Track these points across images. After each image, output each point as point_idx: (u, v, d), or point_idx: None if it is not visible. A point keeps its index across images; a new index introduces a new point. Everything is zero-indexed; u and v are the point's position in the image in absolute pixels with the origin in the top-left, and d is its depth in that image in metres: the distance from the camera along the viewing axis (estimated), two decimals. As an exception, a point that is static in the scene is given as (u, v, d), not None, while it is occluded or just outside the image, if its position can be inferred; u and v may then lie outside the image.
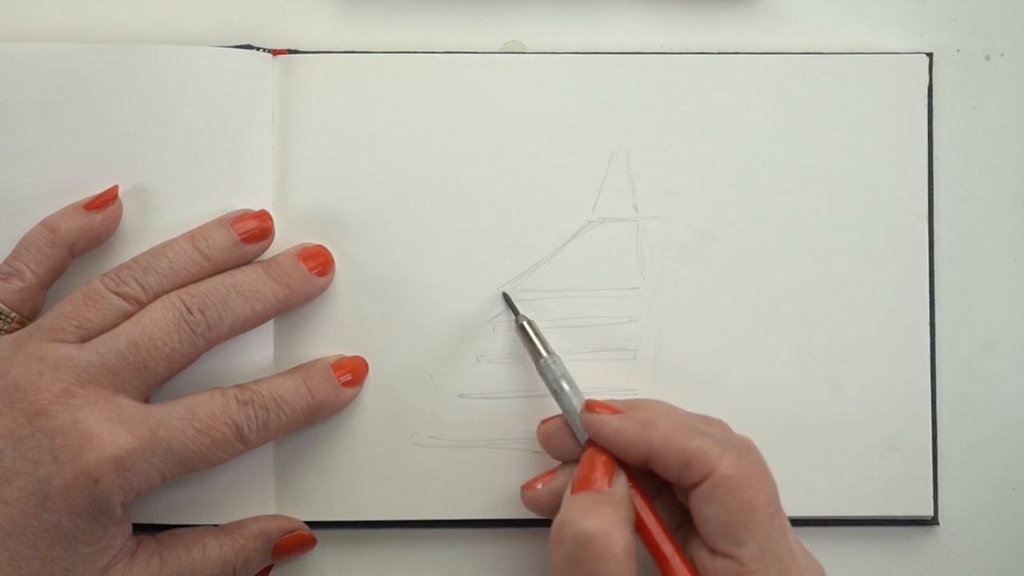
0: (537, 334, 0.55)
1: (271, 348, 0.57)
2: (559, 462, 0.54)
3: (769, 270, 0.58)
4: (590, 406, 0.52)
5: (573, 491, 0.49)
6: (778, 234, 0.58)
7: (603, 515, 0.48)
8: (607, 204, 0.58)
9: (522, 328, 0.56)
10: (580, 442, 0.52)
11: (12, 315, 0.53)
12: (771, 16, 0.60)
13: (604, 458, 0.50)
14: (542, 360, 0.54)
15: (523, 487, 0.53)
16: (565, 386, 0.53)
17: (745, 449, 0.49)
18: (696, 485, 0.49)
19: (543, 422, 0.54)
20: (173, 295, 0.52)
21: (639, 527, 0.50)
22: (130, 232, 0.56)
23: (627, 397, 0.57)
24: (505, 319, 0.57)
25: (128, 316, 0.52)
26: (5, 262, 0.54)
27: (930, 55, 0.59)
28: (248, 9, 0.59)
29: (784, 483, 0.57)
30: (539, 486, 0.52)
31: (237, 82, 0.57)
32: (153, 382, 0.52)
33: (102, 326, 0.52)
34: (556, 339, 0.57)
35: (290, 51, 0.58)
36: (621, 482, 0.50)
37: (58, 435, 0.49)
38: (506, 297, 0.57)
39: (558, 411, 0.53)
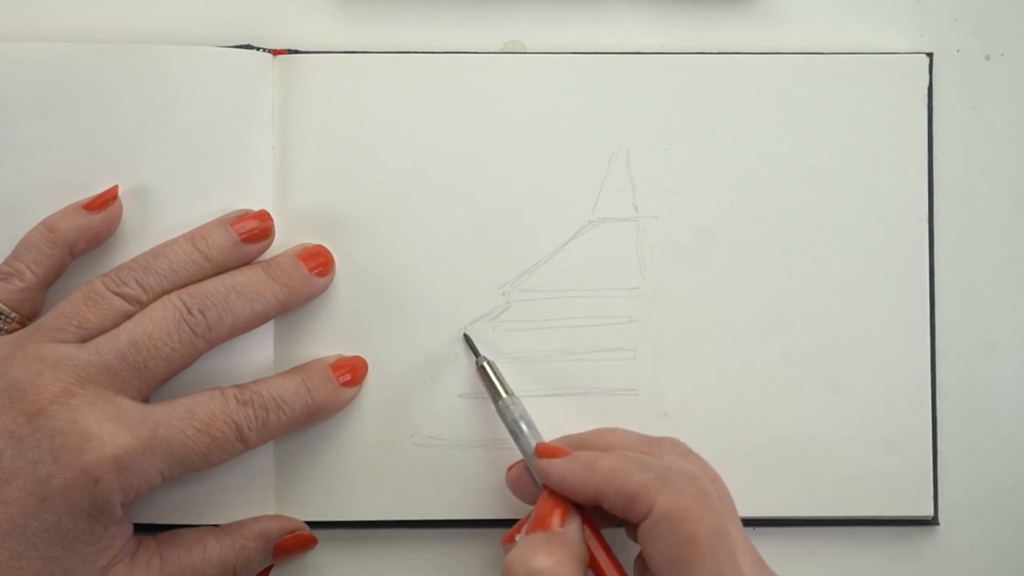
0: (496, 375, 0.55)
1: (271, 348, 0.57)
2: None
3: (769, 270, 0.58)
4: (539, 451, 0.52)
5: (527, 532, 0.50)
6: (778, 234, 0.58)
7: (552, 553, 0.48)
8: (607, 204, 0.58)
9: (482, 369, 0.56)
10: (538, 484, 0.52)
11: (12, 315, 0.53)
12: (771, 16, 0.60)
13: (558, 500, 0.51)
14: (500, 402, 0.54)
15: (503, 541, 0.53)
16: (523, 427, 0.53)
17: (686, 480, 0.48)
18: (640, 522, 0.48)
19: (509, 468, 0.54)
20: (173, 295, 0.52)
21: (593, 567, 0.50)
22: (130, 232, 0.56)
23: (627, 397, 0.57)
24: (506, 319, 0.57)
25: (128, 316, 0.52)
26: (5, 262, 0.54)
27: (930, 55, 0.59)
28: (248, 9, 0.59)
29: (784, 483, 0.57)
30: (517, 538, 0.52)
31: (237, 82, 0.57)
32: (153, 382, 0.52)
33: (102, 326, 0.52)
34: (556, 339, 0.57)
35: (290, 51, 0.58)
36: (574, 523, 0.50)
37: (58, 435, 0.49)
38: (467, 338, 0.57)
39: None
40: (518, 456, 0.54)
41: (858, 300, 0.58)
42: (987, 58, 0.60)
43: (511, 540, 0.52)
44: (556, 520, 0.50)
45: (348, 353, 0.57)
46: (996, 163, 0.60)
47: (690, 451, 0.52)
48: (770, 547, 0.58)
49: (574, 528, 0.50)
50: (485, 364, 0.56)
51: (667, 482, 0.48)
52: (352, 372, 0.56)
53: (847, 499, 0.57)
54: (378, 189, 0.58)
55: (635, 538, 0.50)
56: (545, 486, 0.51)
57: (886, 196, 0.58)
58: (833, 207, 0.58)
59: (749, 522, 0.58)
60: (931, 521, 0.58)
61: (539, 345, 0.58)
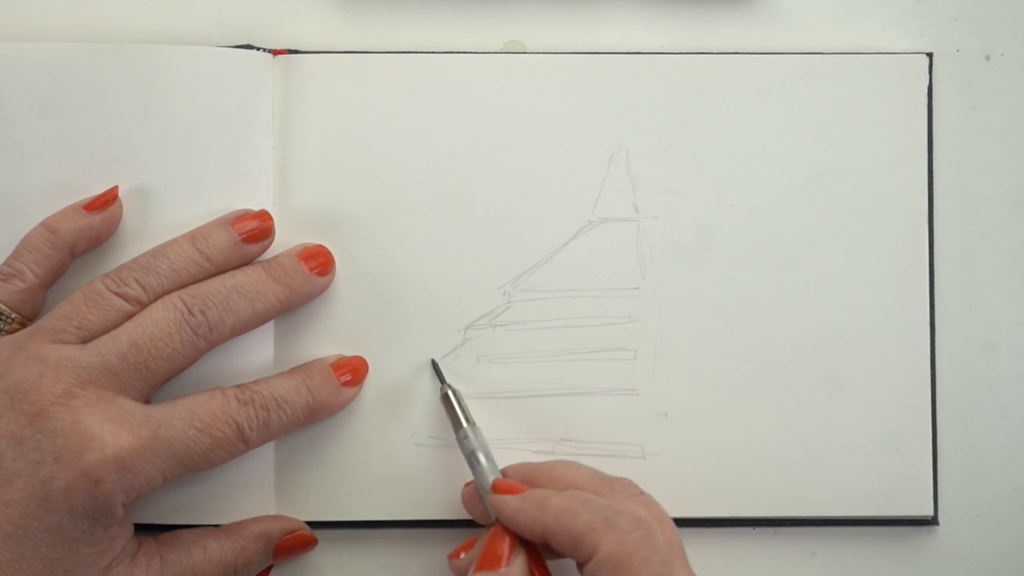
0: (460, 404, 0.55)
1: (271, 348, 0.57)
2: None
3: (769, 270, 0.58)
4: (495, 487, 0.52)
5: (475, 569, 0.50)
6: (778, 234, 0.58)
7: None
8: (607, 204, 0.58)
9: (445, 397, 0.56)
10: (492, 516, 0.52)
11: (13, 316, 0.53)
12: (771, 16, 0.60)
13: (508, 535, 0.51)
14: (460, 432, 0.55)
15: (449, 556, 0.53)
16: (481, 459, 0.53)
17: (632, 524, 0.49)
18: (586, 563, 0.48)
19: (466, 485, 0.55)
20: (174, 296, 0.52)
21: None
22: (130, 232, 0.56)
23: (627, 397, 0.57)
24: (506, 319, 0.57)
25: (129, 317, 0.52)
26: (5, 263, 0.54)
27: (930, 55, 0.59)
28: (248, 9, 0.59)
29: (784, 483, 0.57)
30: (462, 556, 0.53)
31: (237, 82, 0.57)
32: (154, 383, 0.52)
33: (103, 327, 0.52)
34: (556, 339, 0.57)
35: (290, 51, 0.58)
36: (518, 562, 0.50)
37: (59, 436, 0.49)
38: (434, 364, 0.57)
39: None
40: (518, 455, 0.54)
41: (858, 300, 0.58)
42: (987, 58, 0.60)
43: (456, 557, 0.53)
44: (504, 556, 0.50)
45: (348, 353, 0.57)
46: (996, 163, 0.60)
47: (641, 492, 0.52)
48: (770, 547, 0.58)
49: (519, 566, 0.50)
50: (449, 392, 0.56)
51: (613, 525, 0.48)
52: (353, 372, 0.56)
53: (847, 499, 0.58)
54: (378, 189, 0.58)
55: None
56: (498, 520, 0.51)
57: (886, 196, 0.58)
58: (833, 207, 0.58)
59: (749, 522, 0.58)
60: (931, 521, 0.58)
61: (539, 345, 0.58)
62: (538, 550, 0.51)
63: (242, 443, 0.53)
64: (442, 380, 0.57)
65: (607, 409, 0.58)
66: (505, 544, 0.50)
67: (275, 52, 0.58)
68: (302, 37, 0.59)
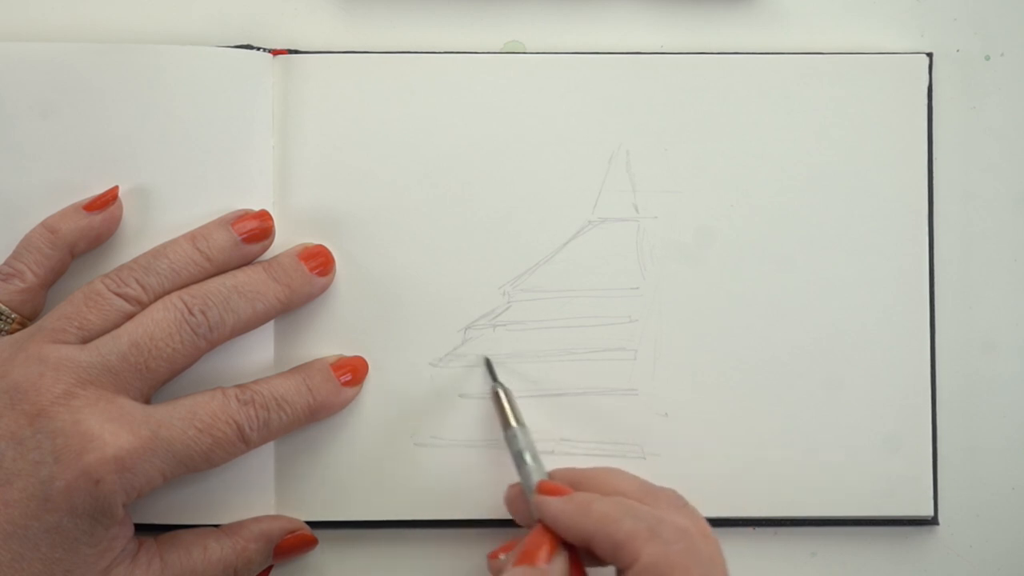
0: (510, 403, 0.55)
1: (271, 348, 0.57)
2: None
3: (769, 270, 0.58)
4: (540, 488, 0.52)
5: (515, 563, 0.49)
6: (778, 234, 0.58)
7: None
8: (607, 204, 0.58)
9: (496, 395, 0.56)
10: (535, 516, 0.52)
11: (13, 316, 0.53)
12: (771, 16, 0.60)
13: (549, 536, 0.50)
14: (509, 431, 0.54)
15: (488, 556, 0.53)
16: (528, 459, 0.53)
17: (676, 535, 0.48)
18: (626, 571, 0.48)
19: (511, 487, 0.54)
20: (174, 296, 0.52)
21: None
22: (131, 232, 0.56)
23: (627, 397, 0.57)
24: (506, 319, 0.57)
25: (129, 317, 0.52)
26: (6, 263, 0.54)
27: (930, 55, 0.59)
28: (248, 9, 0.59)
29: (784, 483, 0.57)
30: (502, 556, 0.53)
31: (237, 82, 0.57)
32: (154, 383, 0.52)
33: (103, 327, 0.52)
34: (556, 339, 0.57)
35: (290, 51, 0.58)
36: (559, 562, 0.50)
37: (59, 436, 0.49)
38: (487, 362, 0.57)
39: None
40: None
41: (858, 300, 0.58)
42: (987, 58, 0.60)
43: (495, 557, 0.53)
44: (543, 556, 0.50)
45: (348, 353, 0.57)
46: (996, 163, 0.60)
47: (686, 504, 0.52)
48: (770, 547, 0.58)
49: (559, 567, 0.50)
50: (500, 391, 0.56)
51: (656, 534, 0.48)
52: (353, 372, 0.56)
53: (847, 499, 0.58)
54: (378, 189, 0.58)
55: None
56: (539, 520, 0.51)
57: (886, 196, 0.58)
58: (833, 207, 0.58)
59: (750, 522, 0.58)
60: (931, 521, 0.58)
61: (539, 345, 0.58)
62: (578, 554, 0.51)
63: (242, 443, 0.53)
64: (494, 378, 0.57)
65: (607, 409, 0.58)
66: (546, 544, 0.50)
67: (275, 52, 0.58)
68: (302, 37, 0.59)
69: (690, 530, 0.49)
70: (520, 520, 0.54)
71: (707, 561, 0.48)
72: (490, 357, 0.56)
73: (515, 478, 0.54)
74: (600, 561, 0.50)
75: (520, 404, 0.56)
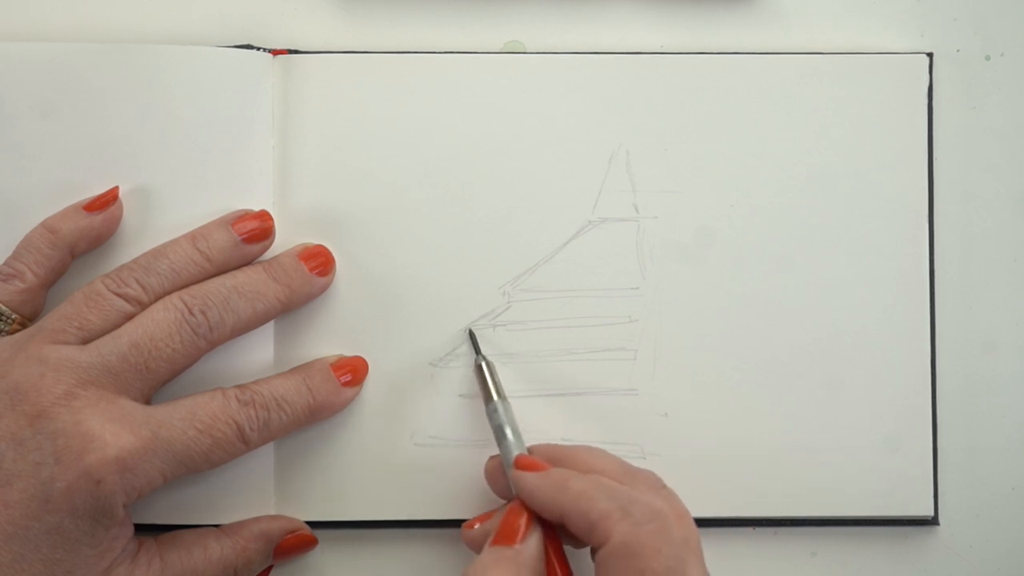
0: (492, 376, 0.55)
1: (271, 348, 0.57)
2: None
3: (769, 270, 0.58)
4: (518, 462, 0.52)
5: (490, 543, 0.50)
6: (778, 234, 0.58)
7: (506, 571, 0.48)
8: (607, 204, 0.58)
9: (479, 368, 0.56)
10: (512, 492, 0.52)
11: (13, 316, 0.53)
12: (771, 16, 0.60)
13: (524, 513, 0.50)
14: (490, 404, 0.54)
15: (463, 526, 0.53)
16: (508, 433, 0.53)
17: (648, 515, 0.48)
18: (598, 549, 0.48)
19: (491, 458, 0.55)
20: (174, 296, 0.52)
21: None
22: (131, 233, 0.56)
23: (627, 397, 0.57)
24: (506, 319, 0.58)
25: (129, 317, 0.52)
26: (6, 263, 0.54)
27: (930, 55, 0.59)
28: (248, 9, 0.59)
29: (784, 483, 0.57)
30: (476, 526, 0.53)
31: (237, 82, 0.57)
32: (154, 383, 0.52)
33: (103, 327, 0.52)
34: (556, 339, 0.57)
35: (290, 51, 0.58)
36: (533, 540, 0.50)
37: (60, 437, 0.49)
38: (471, 335, 0.57)
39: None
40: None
41: (858, 300, 0.58)
42: (987, 58, 0.60)
43: (471, 527, 0.53)
44: (516, 533, 0.50)
45: (348, 353, 0.57)
46: (996, 163, 0.60)
47: (664, 486, 0.52)
48: (770, 547, 0.58)
49: (533, 544, 0.50)
50: (483, 364, 0.56)
51: (628, 514, 0.48)
52: (353, 372, 0.56)
53: (847, 499, 0.58)
54: (378, 189, 0.58)
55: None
56: (516, 496, 0.51)
57: (886, 196, 0.58)
58: (833, 207, 0.58)
59: (750, 522, 0.58)
60: (931, 521, 0.58)
61: (539, 345, 0.58)
62: (555, 530, 0.51)
63: (242, 443, 0.53)
64: (477, 351, 0.57)
65: (607, 409, 0.58)
66: (522, 521, 0.50)
67: (275, 52, 0.58)
68: (302, 37, 0.59)
69: (664, 511, 0.49)
70: (499, 493, 0.55)
71: (679, 542, 0.48)
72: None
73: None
74: (576, 539, 0.51)
75: (520, 404, 0.56)
